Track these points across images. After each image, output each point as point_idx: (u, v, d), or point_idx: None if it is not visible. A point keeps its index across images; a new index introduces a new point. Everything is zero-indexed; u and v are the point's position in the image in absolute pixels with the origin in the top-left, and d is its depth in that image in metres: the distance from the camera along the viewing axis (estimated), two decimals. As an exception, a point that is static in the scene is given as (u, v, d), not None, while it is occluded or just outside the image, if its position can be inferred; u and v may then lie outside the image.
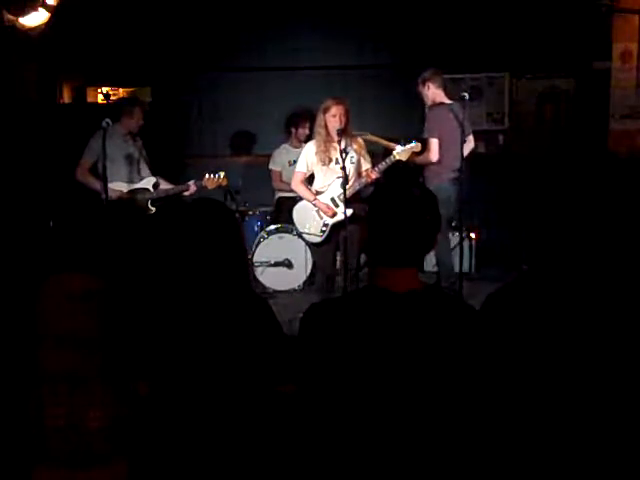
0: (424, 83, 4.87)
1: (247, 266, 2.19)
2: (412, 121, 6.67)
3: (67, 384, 1.92)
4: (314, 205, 4.27)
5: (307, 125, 5.72)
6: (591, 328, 1.61)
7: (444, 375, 1.55)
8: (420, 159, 4.73)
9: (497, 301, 1.75)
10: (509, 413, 1.65)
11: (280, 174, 5.96)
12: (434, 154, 4.66)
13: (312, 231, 4.32)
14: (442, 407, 1.55)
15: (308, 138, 5.55)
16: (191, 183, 4.76)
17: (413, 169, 4.88)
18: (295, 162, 5.66)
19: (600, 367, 1.60)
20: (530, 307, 1.68)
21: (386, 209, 1.64)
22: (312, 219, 4.31)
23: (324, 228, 4.27)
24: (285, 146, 5.97)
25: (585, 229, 1.66)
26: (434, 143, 4.66)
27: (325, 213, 4.24)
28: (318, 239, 4.32)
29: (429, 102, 4.94)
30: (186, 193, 4.77)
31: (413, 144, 4.20)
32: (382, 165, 4.17)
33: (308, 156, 4.29)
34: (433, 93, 4.88)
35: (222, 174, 4.77)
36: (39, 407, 1.93)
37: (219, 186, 4.79)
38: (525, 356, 1.65)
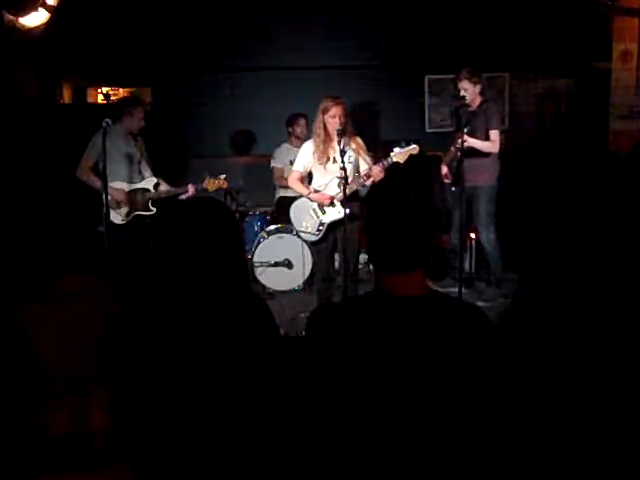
0: (474, 81, 4.86)
1: (246, 266, 2.18)
2: (412, 121, 6.70)
3: (68, 387, 1.92)
4: (309, 199, 4.27)
5: (304, 124, 5.74)
6: (598, 332, 1.60)
7: (451, 379, 1.54)
8: (480, 146, 4.79)
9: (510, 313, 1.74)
10: (518, 416, 1.65)
11: (282, 171, 5.96)
12: (497, 145, 4.80)
13: (309, 229, 4.32)
14: (449, 411, 1.54)
15: (307, 137, 5.56)
16: (190, 186, 4.76)
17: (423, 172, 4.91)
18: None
19: (608, 371, 1.59)
20: (539, 313, 1.67)
21: (383, 216, 1.64)
22: (309, 217, 4.32)
23: (320, 227, 4.27)
24: (286, 145, 5.98)
25: (592, 230, 1.66)
26: (498, 134, 4.80)
27: (322, 203, 4.23)
28: (314, 237, 4.32)
29: (475, 102, 4.91)
30: (183, 196, 4.77)
31: (412, 146, 4.20)
32: (380, 166, 4.16)
33: (305, 156, 4.29)
34: (477, 93, 4.91)
35: (222, 177, 4.77)
36: (41, 411, 1.93)
37: (219, 188, 4.79)
38: (534, 360, 1.64)
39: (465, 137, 4.60)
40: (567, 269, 1.69)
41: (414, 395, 1.53)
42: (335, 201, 4.21)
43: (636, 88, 5.53)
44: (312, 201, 4.28)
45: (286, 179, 5.74)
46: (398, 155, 4.17)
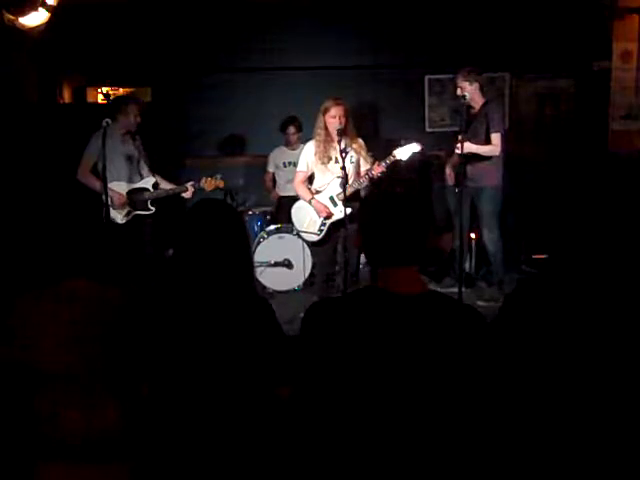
0: (471, 79, 4.81)
1: (252, 267, 2.19)
2: (412, 121, 6.69)
3: (69, 384, 1.92)
4: (311, 204, 4.28)
5: (293, 132, 5.79)
6: (603, 331, 1.60)
7: (444, 377, 1.55)
8: (481, 151, 4.75)
9: (514, 302, 1.73)
10: (515, 415, 1.65)
11: (272, 176, 6.03)
12: (499, 149, 4.74)
13: (310, 229, 4.33)
14: (442, 408, 1.54)
15: (300, 140, 5.60)
16: (189, 185, 4.76)
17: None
18: (290, 163, 5.73)
19: (613, 369, 1.59)
20: (541, 309, 1.67)
21: (374, 211, 1.65)
22: (311, 217, 4.32)
23: (322, 227, 4.28)
24: (281, 147, 6.02)
25: (595, 229, 1.66)
26: (499, 137, 4.74)
27: (320, 213, 4.25)
28: (316, 237, 4.33)
29: (477, 102, 4.88)
30: (185, 194, 4.77)
31: (413, 144, 4.21)
32: (382, 165, 4.17)
33: (308, 156, 4.31)
34: (477, 93, 4.87)
35: (219, 176, 4.78)
36: (42, 407, 1.93)
37: (216, 187, 4.79)
38: (533, 359, 1.64)
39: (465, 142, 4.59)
40: (566, 266, 1.69)
41: (404, 391, 1.53)
42: (337, 201, 4.22)
43: (636, 88, 5.53)
44: (312, 206, 4.29)
45: (271, 184, 5.90)
46: (401, 153, 4.19)
